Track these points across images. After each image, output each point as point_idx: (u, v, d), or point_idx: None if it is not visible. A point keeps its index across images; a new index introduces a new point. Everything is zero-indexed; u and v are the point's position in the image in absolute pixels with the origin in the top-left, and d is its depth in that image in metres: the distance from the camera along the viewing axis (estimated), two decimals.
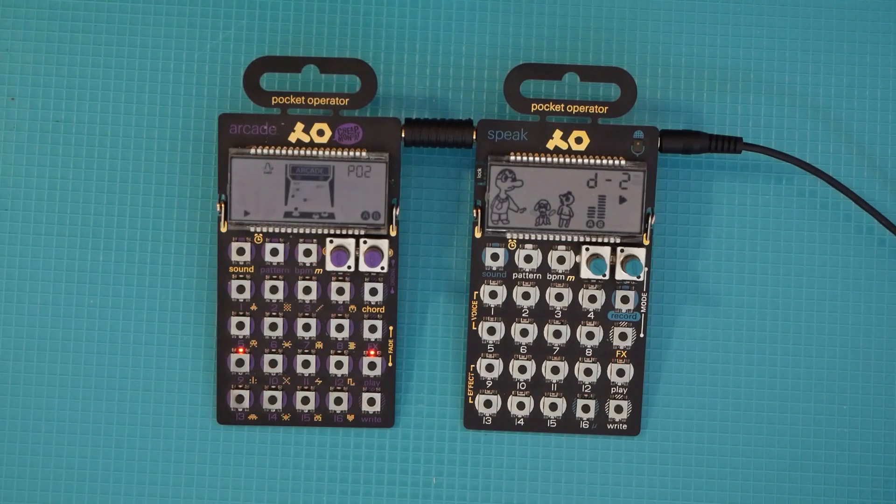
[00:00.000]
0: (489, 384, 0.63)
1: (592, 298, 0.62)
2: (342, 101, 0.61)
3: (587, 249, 0.61)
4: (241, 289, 0.62)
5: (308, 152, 0.61)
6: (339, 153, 0.61)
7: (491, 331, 0.63)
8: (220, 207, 0.61)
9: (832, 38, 0.64)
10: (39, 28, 0.64)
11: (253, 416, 0.63)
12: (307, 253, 0.62)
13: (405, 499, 0.63)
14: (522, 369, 0.63)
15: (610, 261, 0.61)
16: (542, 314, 0.62)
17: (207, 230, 0.64)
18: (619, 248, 0.61)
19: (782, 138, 0.64)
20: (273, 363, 0.62)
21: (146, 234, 0.63)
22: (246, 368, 0.62)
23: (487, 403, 0.63)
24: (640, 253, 0.61)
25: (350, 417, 0.63)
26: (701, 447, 0.64)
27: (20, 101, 0.64)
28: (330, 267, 0.61)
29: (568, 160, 0.61)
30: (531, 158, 0.61)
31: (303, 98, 0.61)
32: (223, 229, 0.61)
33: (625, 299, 0.62)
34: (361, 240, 0.61)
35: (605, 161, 0.61)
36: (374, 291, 0.62)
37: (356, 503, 0.63)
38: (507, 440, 0.64)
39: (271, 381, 0.63)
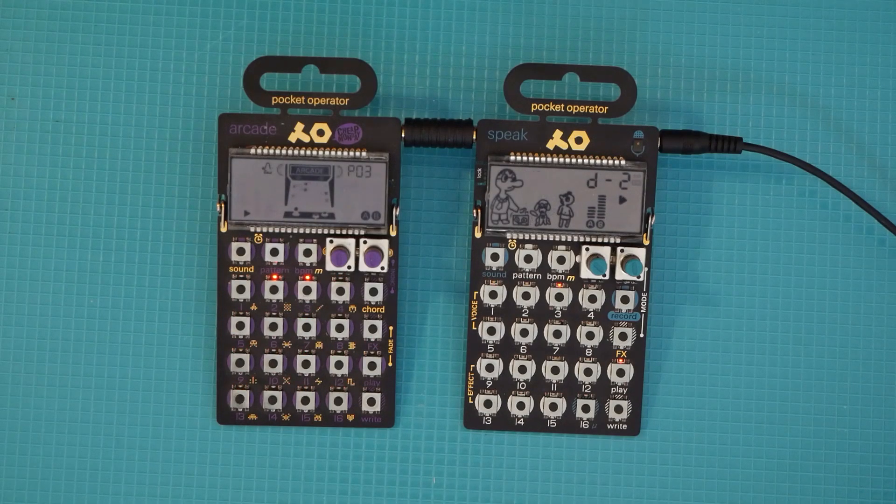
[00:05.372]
0: (489, 384, 0.63)
1: (592, 298, 0.62)
2: (342, 101, 0.61)
3: (587, 249, 0.61)
4: (241, 289, 0.62)
5: (308, 152, 0.61)
6: (339, 153, 0.61)
7: (491, 331, 0.63)
8: (220, 207, 0.61)
9: (832, 38, 0.64)
10: (39, 28, 0.64)
11: (253, 416, 0.63)
12: (307, 253, 0.62)
13: (405, 499, 0.63)
14: (522, 369, 0.63)
15: (610, 261, 0.61)
16: (542, 314, 0.62)
17: (207, 230, 0.64)
18: (619, 248, 0.61)
19: (782, 138, 0.64)
20: (273, 363, 0.62)
21: (146, 234, 0.63)
22: (246, 368, 0.62)
23: (487, 403, 0.63)
24: (640, 253, 0.61)
25: (350, 417, 0.63)
26: (701, 447, 0.64)
27: (20, 101, 0.64)
28: (330, 267, 0.61)
29: (568, 160, 0.61)
30: (531, 158, 0.61)
31: (303, 98, 0.61)
32: (223, 229, 0.61)
33: (625, 299, 0.62)
34: (361, 240, 0.61)
35: (605, 161, 0.61)
36: (374, 291, 0.62)
37: (356, 503, 0.63)
38: (507, 440, 0.64)
39: (271, 381, 0.63)
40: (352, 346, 0.63)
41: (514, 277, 0.62)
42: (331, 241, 0.61)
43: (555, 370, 0.63)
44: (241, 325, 0.62)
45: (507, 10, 0.64)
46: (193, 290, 0.64)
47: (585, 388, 0.63)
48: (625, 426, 0.63)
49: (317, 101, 0.61)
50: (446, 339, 0.64)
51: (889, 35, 0.65)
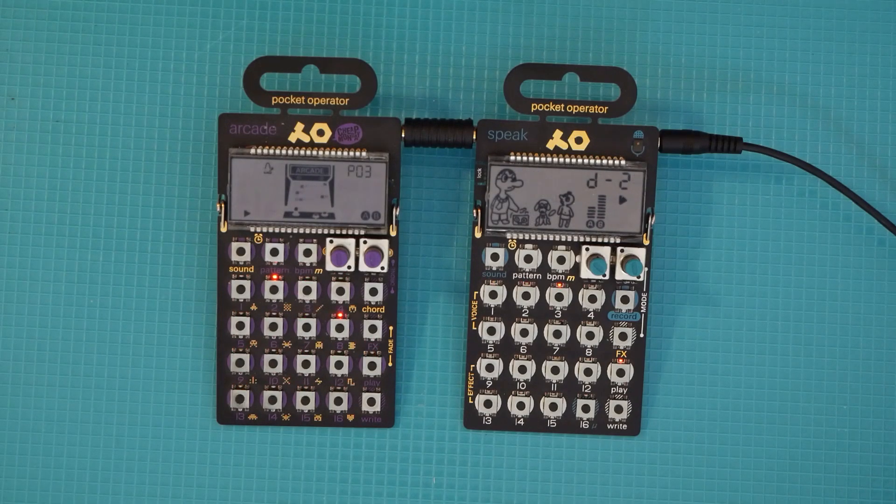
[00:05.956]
0: (489, 384, 0.63)
1: (592, 298, 0.62)
2: (342, 101, 0.61)
3: (587, 249, 0.61)
4: (241, 289, 0.62)
5: (308, 152, 0.61)
6: (339, 153, 0.61)
7: (491, 331, 0.63)
8: (220, 207, 0.61)
9: (832, 38, 0.64)
10: (39, 28, 0.64)
11: (253, 416, 0.63)
12: (307, 253, 0.62)
13: (405, 499, 0.63)
14: (522, 369, 0.63)
15: (610, 261, 0.61)
16: (542, 314, 0.62)
17: (207, 230, 0.64)
18: (619, 248, 0.61)
19: (782, 138, 0.64)
20: (273, 363, 0.62)
21: (146, 234, 0.64)
22: (246, 368, 0.62)
23: (487, 403, 0.63)
24: (640, 253, 0.61)
25: (350, 417, 0.63)
26: (701, 447, 0.64)
27: (20, 101, 0.64)
28: (330, 267, 0.61)
29: (568, 160, 0.61)
30: (531, 158, 0.61)
31: (303, 98, 0.61)
32: (223, 229, 0.61)
33: (625, 299, 0.62)
34: (361, 240, 0.61)
35: (605, 161, 0.61)
36: (374, 291, 0.62)
37: (356, 503, 0.63)
38: (507, 440, 0.64)
39: (271, 381, 0.63)
40: (352, 346, 0.63)
41: (514, 277, 0.62)
42: (331, 241, 0.61)
43: (555, 370, 0.63)
44: (241, 325, 0.62)
45: (507, 10, 0.64)
46: (193, 290, 0.64)
47: (585, 388, 0.63)
48: (625, 426, 0.63)
49: (317, 101, 0.61)
50: (446, 339, 0.64)
51: (889, 35, 0.65)
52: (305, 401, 0.63)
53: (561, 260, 0.62)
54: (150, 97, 0.64)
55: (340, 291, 0.62)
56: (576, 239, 0.61)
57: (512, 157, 0.61)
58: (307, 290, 0.62)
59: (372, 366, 0.63)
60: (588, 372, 0.63)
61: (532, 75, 0.61)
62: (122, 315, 0.63)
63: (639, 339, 0.63)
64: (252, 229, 0.61)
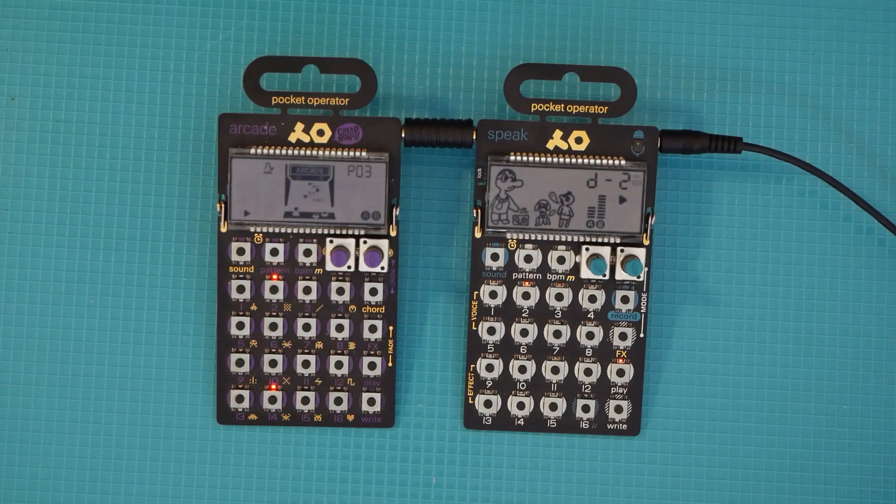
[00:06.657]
0: (489, 384, 0.63)
1: (592, 298, 0.62)
2: (342, 101, 0.61)
3: (587, 249, 0.61)
4: (241, 289, 0.62)
5: (308, 152, 0.61)
6: (339, 153, 0.61)
7: (491, 331, 0.63)
8: (220, 207, 0.61)
9: (832, 38, 0.64)
10: (39, 28, 0.64)
11: (253, 416, 0.63)
12: (307, 253, 0.62)
13: (405, 499, 0.63)
14: (522, 369, 0.63)
15: (610, 261, 0.61)
16: (542, 314, 0.62)
17: (207, 230, 0.64)
18: (619, 248, 0.61)
19: (782, 138, 0.64)
20: (273, 363, 0.62)
21: (146, 234, 0.64)
22: (246, 368, 0.62)
23: (487, 403, 0.63)
24: (640, 253, 0.61)
25: (350, 417, 0.63)
26: (701, 447, 0.64)
27: (20, 101, 0.64)
28: (330, 267, 0.61)
29: (568, 160, 0.61)
30: (531, 158, 0.61)
31: (303, 98, 0.61)
32: (223, 229, 0.61)
33: (625, 299, 0.62)
34: (361, 240, 0.61)
35: (605, 161, 0.61)
36: (374, 291, 0.62)
37: (356, 503, 0.63)
38: (507, 440, 0.64)
39: (271, 381, 0.63)
40: (352, 346, 0.63)
41: (514, 277, 0.62)
42: (331, 241, 0.61)
43: (555, 370, 0.63)
44: (241, 325, 0.62)
45: (507, 10, 0.64)
46: (193, 290, 0.64)
47: (585, 388, 0.63)
48: (625, 426, 0.63)
49: (317, 101, 0.61)
50: (446, 339, 0.64)
51: (889, 35, 0.65)
52: (305, 401, 0.63)
53: (561, 260, 0.62)
54: (150, 97, 0.64)
55: (340, 291, 0.62)
56: (576, 239, 0.61)
57: (512, 157, 0.61)
58: (307, 290, 0.62)
59: (372, 366, 0.63)
60: (588, 372, 0.63)
61: (532, 75, 0.61)
62: (122, 315, 0.63)
63: (639, 339, 0.63)
64: (252, 229, 0.61)
